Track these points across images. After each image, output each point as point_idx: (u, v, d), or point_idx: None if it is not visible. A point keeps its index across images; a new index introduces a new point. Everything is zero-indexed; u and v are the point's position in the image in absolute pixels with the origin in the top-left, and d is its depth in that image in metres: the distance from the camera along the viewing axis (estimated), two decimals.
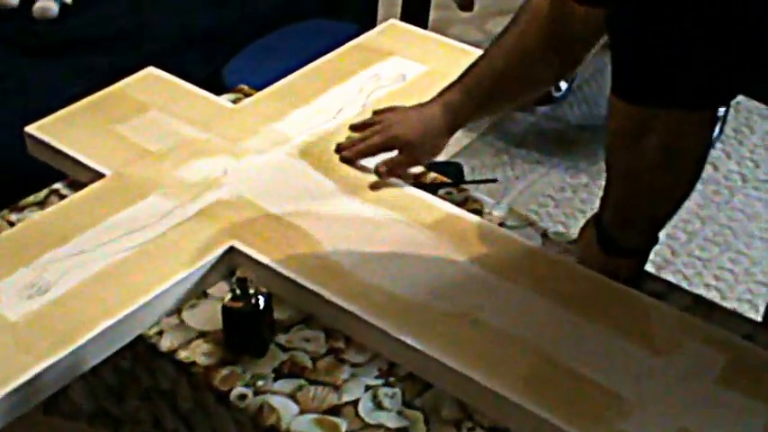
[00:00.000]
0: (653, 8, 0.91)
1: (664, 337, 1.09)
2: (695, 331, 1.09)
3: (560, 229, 2.30)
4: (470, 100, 1.28)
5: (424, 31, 1.70)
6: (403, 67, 1.56)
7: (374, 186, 1.30)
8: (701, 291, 2.19)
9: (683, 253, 2.28)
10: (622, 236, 1.15)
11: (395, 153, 1.31)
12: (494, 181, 2.41)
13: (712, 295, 2.19)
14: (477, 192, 1.38)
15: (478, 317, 1.11)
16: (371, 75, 1.54)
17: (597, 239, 1.18)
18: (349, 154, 1.33)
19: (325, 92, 1.50)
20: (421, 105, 1.34)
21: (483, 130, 2.71)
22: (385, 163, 1.31)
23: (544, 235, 1.29)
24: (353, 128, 1.38)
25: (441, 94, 1.32)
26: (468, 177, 2.53)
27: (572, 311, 1.12)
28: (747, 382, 1.03)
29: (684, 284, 2.19)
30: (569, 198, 2.44)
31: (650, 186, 1.06)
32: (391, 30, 1.68)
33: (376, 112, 1.39)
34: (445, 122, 1.30)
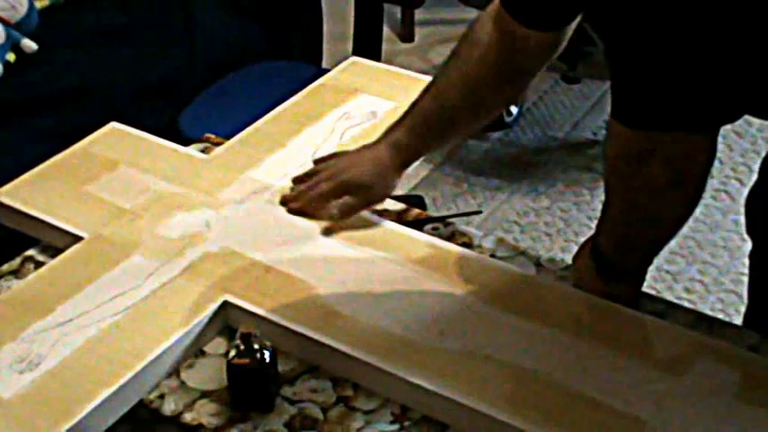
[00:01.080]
0: (651, 30, 0.91)
1: (675, 357, 1.08)
2: (706, 349, 1.09)
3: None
4: (417, 136, 1.27)
5: (386, 66, 1.69)
6: (372, 104, 1.54)
7: (361, 227, 1.28)
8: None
9: (652, 268, 2.27)
10: (620, 261, 1.14)
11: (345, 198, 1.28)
12: (479, 212, 2.40)
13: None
14: (462, 225, 1.36)
15: (486, 352, 1.09)
16: (342, 113, 1.52)
17: (594, 265, 1.17)
18: (297, 205, 1.29)
19: (297, 134, 1.47)
20: (366, 147, 1.31)
21: (439, 160, 2.71)
22: (338, 207, 1.27)
23: (537, 263, 1.27)
24: (296, 180, 1.34)
25: (386, 133, 1.30)
26: (430, 208, 2.52)
27: (580, 338, 1.10)
28: (765, 397, 1.02)
29: None
30: (533, 222, 2.44)
31: (653, 212, 1.05)
32: (353, 67, 1.67)
33: (317, 161, 1.36)
34: (394, 162, 1.28)
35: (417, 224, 1.35)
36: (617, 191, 1.07)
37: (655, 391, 1.03)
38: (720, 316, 2.15)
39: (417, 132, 1.26)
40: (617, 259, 1.14)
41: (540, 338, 1.11)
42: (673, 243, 2.32)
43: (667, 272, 2.30)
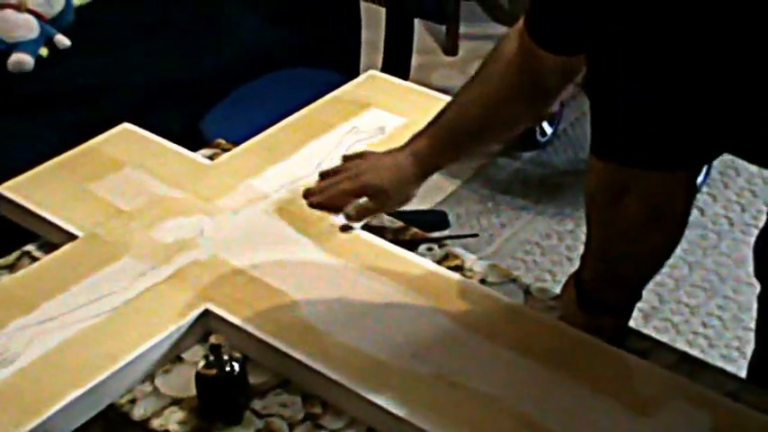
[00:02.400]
0: (629, 65, 0.89)
1: (649, 397, 1.06)
2: (681, 391, 1.06)
3: (547, 277, 2.28)
4: (439, 148, 1.27)
5: (403, 82, 1.69)
6: (382, 120, 1.54)
7: (353, 244, 1.28)
8: (689, 338, 2.17)
9: (670, 300, 2.26)
10: (602, 294, 1.13)
11: (364, 199, 1.29)
12: (475, 236, 2.39)
13: (701, 342, 2.16)
14: (458, 246, 1.35)
15: (459, 379, 1.08)
16: (350, 128, 1.52)
17: (576, 297, 1.15)
18: (318, 199, 1.31)
19: (302, 146, 1.48)
20: (391, 152, 1.32)
21: (467, 177, 2.69)
22: (355, 208, 1.28)
23: (527, 291, 1.26)
24: (323, 174, 1.35)
25: (410, 142, 1.31)
26: (453, 225, 2.51)
27: (555, 372, 1.09)
28: None
29: (672, 332, 2.17)
30: (555, 245, 2.42)
31: (630, 248, 1.03)
32: (371, 81, 1.67)
33: (346, 158, 1.37)
34: (414, 171, 1.28)
35: (413, 244, 1.35)
36: (596, 226, 1.06)
37: (622, 431, 1.01)
38: (735, 354, 2.11)
39: (438, 144, 1.27)
40: (599, 292, 1.12)
41: (513, 368, 1.10)
42: (695, 276, 2.31)
43: (686, 305, 2.26)
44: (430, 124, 1.29)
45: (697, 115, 0.90)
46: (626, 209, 0.98)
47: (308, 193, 1.32)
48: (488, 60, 1.24)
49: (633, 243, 1.02)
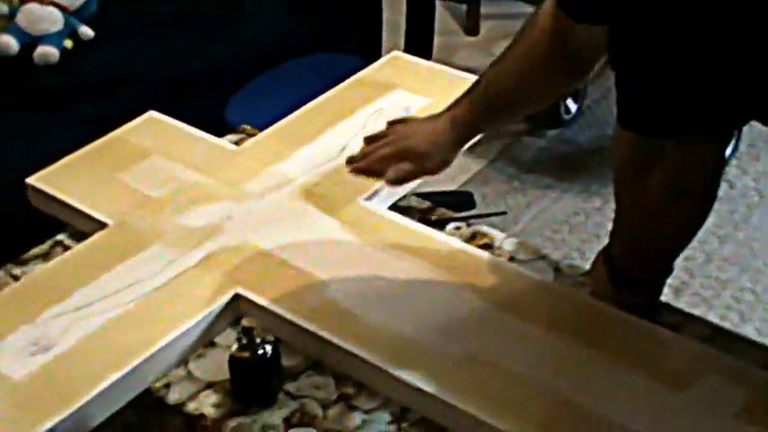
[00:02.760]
0: (655, 32, 0.89)
1: (682, 371, 1.06)
2: (714, 364, 1.06)
3: (575, 255, 2.27)
4: (475, 114, 1.28)
5: (427, 63, 1.69)
6: (407, 100, 1.54)
7: (381, 225, 1.28)
8: (721, 312, 2.15)
9: (700, 275, 2.24)
10: (632, 268, 1.13)
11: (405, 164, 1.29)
12: (503, 213, 2.38)
13: (732, 317, 2.15)
14: (486, 225, 1.35)
15: (491, 357, 1.08)
16: (375, 110, 1.52)
17: (607, 272, 1.15)
18: (359, 165, 1.31)
19: (327, 129, 1.48)
20: (431, 117, 1.33)
21: (492, 156, 2.69)
22: (394, 171, 1.28)
23: (556, 268, 1.26)
24: (368, 140, 1.36)
25: (449, 108, 1.32)
26: (479, 205, 2.51)
27: (587, 348, 1.09)
28: None
29: (703, 307, 2.16)
30: (583, 223, 2.41)
31: (657, 224, 1.03)
32: (394, 62, 1.66)
33: (390, 123, 1.37)
34: (453, 136, 1.29)
35: (440, 223, 1.35)
36: (624, 200, 1.06)
37: (655, 405, 1.01)
38: (766, 327, 2.10)
39: (475, 110, 1.28)
40: (628, 268, 1.12)
41: (545, 346, 1.10)
42: (726, 250, 2.29)
43: (717, 279, 2.24)
44: (469, 90, 1.30)
45: (721, 82, 0.89)
46: (652, 183, 0.97)
47: (350, 160, 1.33)
48: (524, 28, 1.24)
49: (660, 218, 1.01)
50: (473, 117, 1.28)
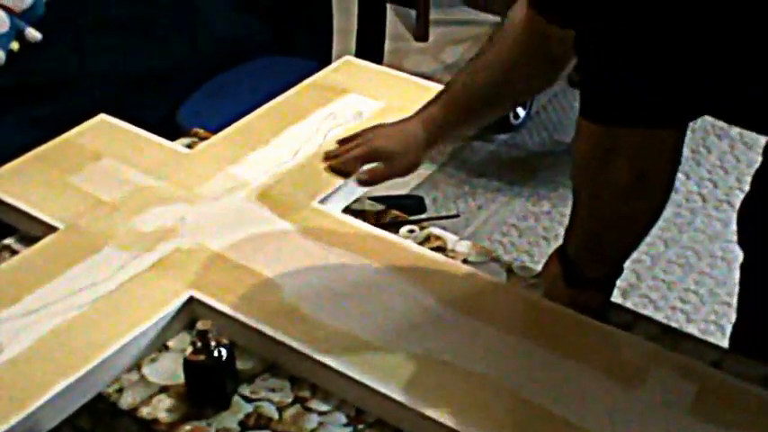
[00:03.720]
0: (615, 26, 0.91)
1: (633, 369, 1.07)
2: (664, 361, 1.08)
3: (525, 258, 2.30)
4: (449, 114, 1.31)
5: (379, 67, 1.69)
6: (359, 104, 1.54)
7: (335, 228, 1.29)
8: (667, 313, 2.19)
9: (648, 277, 2.28)
10: (587, 267, 1.14)
11: (376, 164, 1.35)
12: (456, 216, 2.41)
13: (678, 318, 2.19)
14: (438, 228, 1.36)
15: (446, 358, 1.09)
16: (328, 113, 1.52)
17: (562, 272, 1.16)
18: (333, 163, 1.38)
19: (281, 132, 1.48)
20: (402, 121, 1.37)
21: (443, 161, 2.70)
22: (366, 172, 1.35)
23: (509, 270, 1.27)
24: (340, 142, 1.42)
25: (421, 110, 1.35)
26: (429, 209, 2.52)
27: (541, 347, 1.10)
28: (719, 412, 1.02)
29: (651, 308, 2.19)
30: (532, 226, 2.43)
31: (618, 213, 1.05)
32: (346, 66, 1.67)
33: (363, 131, 1.42)
34: (424, 137, 1.33)
35: (394, 226, 1.35)
36: (584, 191, 1.08)
37: (609, 404, 1.03)
38: (712, 328, 2.14)
39: (448, 110, 1.31)
40: (584, 265, 1.14)
41: (500, 346, 1.10)
42: (671, 252, 2.33)
43: (663, 281, 2.28)
44: (442, 92, 1.34)
45: (678, 73, 0.92)
46: (613, 172, 0.99)
47: (326, 158, 1.39)
48: (498, 30, 1.26)
49: (620, 206, 1.03)
50: (446, 118, 1.31)
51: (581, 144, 1.04)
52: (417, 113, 1.35)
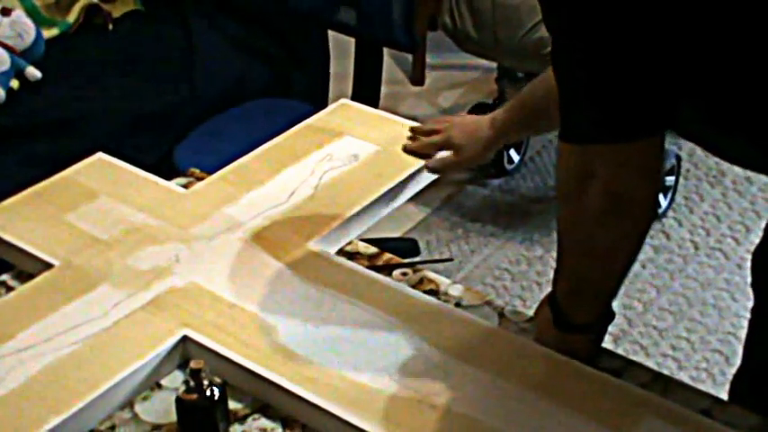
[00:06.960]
0: (569, 44, 0.97)
1: (624, 416, 1.08)
2: (655, 408, 1.08)
3: (517, 302, 2.31)
4: (511, 117, 1.43)
5: (375, 110, 1.71)
6: (355, 147, 1.56)
7: (329, 270, 1.30)
8: (658, 360, 2.19)
9: (639, 323, 2.29)
10: (576, 313, 1.15)
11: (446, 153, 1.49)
12: (450, 260, 2.43)
13: (669, 365, 2.19)
14: (432, 271, 1.37)
15: (437, 402, 1.09)
16: (324, 155, 1.54)
17: (552, 317, 1.17)
18: (413, 146, 1.53)
19: (277, 174, 1.49)
20: (478, 116, 1.49)
21: (437, 204, 2.72)
22: (436, 160, 1.49)
23: (501, 314, 1.28)
24: (414, 129, 1.56)
25: (495, 111, 1.47)
26: (423, 252, 2.53)
27: (532, 392, 1.11)
28: None
29: (642, 355, 2.20)
30: (525, 271, 2.44)
31: (597, 242, 1.06)
32: (342, 109, 1.69)
33: (443, 117, 1.56)
34: (490, 134, 1.44)
35: (387, 269, 1.36)
36: (564, 222, 1.09)
37: None
38: (704, 375, 2.14)
39: (512, 114, 1.43)
40: (572, 310, 1.14)
41: (491, 390, 1.11)
42: (663, 299, 2.35)
43: (654, 327, 2.29)
44: (511, 101, 1.46)
45: (647, 85, 0.96)
46: (590, 195, 1.02)
47: (407, 143, 1.54)
48: None
49: (599, 232, 1.05)
50: (510, 120, 1.43)
51: (559, 171, 1.08)
52: (487, 115, 1.46)
